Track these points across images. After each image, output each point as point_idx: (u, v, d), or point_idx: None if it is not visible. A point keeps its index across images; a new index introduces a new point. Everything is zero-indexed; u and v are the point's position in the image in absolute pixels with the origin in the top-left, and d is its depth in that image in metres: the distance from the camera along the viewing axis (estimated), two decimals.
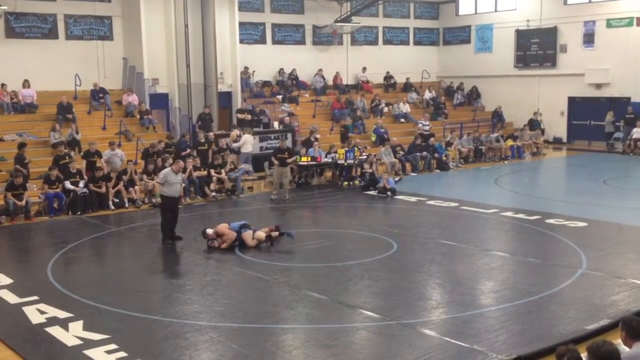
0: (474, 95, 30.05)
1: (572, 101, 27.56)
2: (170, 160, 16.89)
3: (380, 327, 8.25)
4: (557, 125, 27.98)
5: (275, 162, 17.44)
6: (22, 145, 17.07)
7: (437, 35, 31.78)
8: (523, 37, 28.52)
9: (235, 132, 20.54)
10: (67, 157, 16.73)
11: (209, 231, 12.26)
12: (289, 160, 17.56)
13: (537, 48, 28.13)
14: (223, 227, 12.28)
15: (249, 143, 19.89)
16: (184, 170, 17.26)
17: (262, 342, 7.83)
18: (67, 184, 15.86)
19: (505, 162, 23.64)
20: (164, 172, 12.83)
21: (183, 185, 16.67)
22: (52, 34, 21.42)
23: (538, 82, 28.19)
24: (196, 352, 7.57)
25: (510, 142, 24.68)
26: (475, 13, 30.48)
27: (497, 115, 27.73)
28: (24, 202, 14.97)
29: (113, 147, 17.72)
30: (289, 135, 21.92)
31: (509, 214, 14.83)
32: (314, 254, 11.86)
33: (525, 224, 13.85)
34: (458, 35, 31.16)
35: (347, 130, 23.76)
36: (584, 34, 26.73)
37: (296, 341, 7.96)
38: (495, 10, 29.60)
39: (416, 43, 31.09)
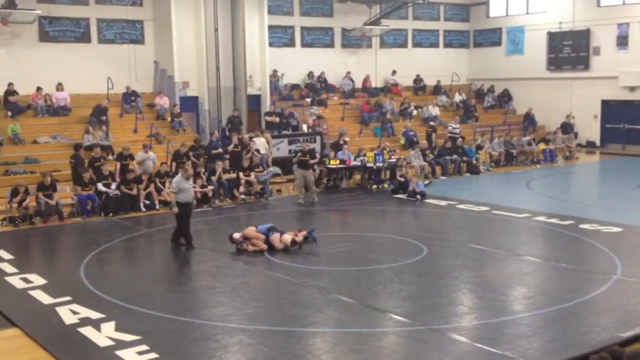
0: (505, 98, 29.75)
1: (606, 104, 27.13)
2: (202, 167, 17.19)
3: (410, 332, 8.19)
4: (590, 129, 27.57)
5: (294, 161, 17.42)
6: (78, 147, 17.46)
7: (467, 38, 31.53)
8: (555, 40, 28.16)
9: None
10: (101, 160, 16.93)
11: (236, 235, 12.29)
12: (311, 162, 17.42)
13: (569, 50, 27.75)
14: (250, 231, 12.31)
15: (261, 146, 19.89)
16: (214, 172, 17.44)
17: (292, 345, 7.82)
18: (100, 186, 16.05)
19: (537, 165, 23.35)
20: (176, 180, 12.66)
21: (212, 187, 16.90)
22: (84, 38, 21.73)
23: (570, 85, 27.79)
24: (226, 354, 7.59)
25: (542, 146, 24.38)
26: (507, 15, 30.17)
27: (529, 118, 27.40)
28: (54, 202, 15.20)
29: (146, 149, 17.90)
30: (317, 138, 21.93)
31: (542, 218, 14.63)
32: (343, 258, 11.81)
33: (558, 228, 13.66)
34: (489, 38, 30.88)
35: (433, 130, 23.96)
36: (617, 36, 26.31)
37: (325, 345, 7.94)
38: (527, 12, 29.26)
39: (446, 45, 30.88)
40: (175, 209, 12.50)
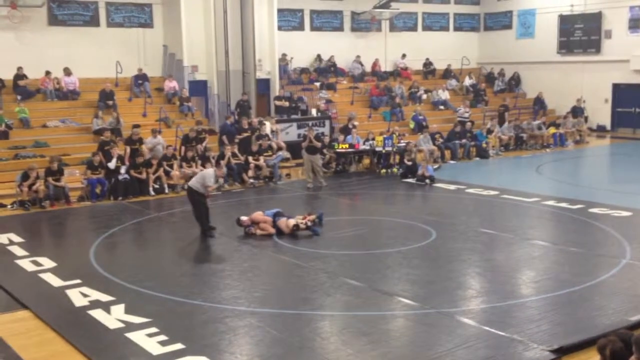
0: (515, 81, 29.56)
1: (617, 88, 26.90)
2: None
3: (419, 315, 8.21)
4: (600, 113, 27.35)
5: (303, 146, 17.37)
6: (136, 126, 17.88)
7: (477, 21, 31.27)
8: (566, 23, 27.89)
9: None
10: (111, 143, 16.97)
11: (244, 218, 12.30)
12: (304, 144, 17.20)
13: (580, 34, 27.48)
14: (258, 215, 12.31)
15: (267, 130, 19.80)
16: (223, 156, 17.46)
17: (301, 328, 7.85)
18: (110, 165, 16.05)
19: (547, 150, 23.22)
20: (213, 175, 12.38)
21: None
22: (93, 22, 21.70)
23: (582, 69, 27.55)
24: (235, 336, 7.64)
25: (552, 130, 24.23)
26: None
27: (539, 102, 27.24)
28: (62, 183, 15.31)
29: (155, 134, 17.91)
30: (326, 122, 21.87)
31: (551, 202, 14.57)
32: (352, 241, 11.82)
33: (568, 213, 13.61)
34: (499, 21, 30.62)
35: (506, 108, 24.26)
36: (629, 19, 26.02)
37: (334, 328, 7.96)
38: None
39: (456, 29, 30.64)
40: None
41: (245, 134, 19.15)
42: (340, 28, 27.31)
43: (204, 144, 18.19)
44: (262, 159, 17.88)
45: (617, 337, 4.76)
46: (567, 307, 8.34)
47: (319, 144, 17.30)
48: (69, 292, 9.15)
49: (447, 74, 28.70)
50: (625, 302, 8.41)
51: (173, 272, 10.41)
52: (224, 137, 18.85)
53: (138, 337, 7.54)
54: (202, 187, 12.18)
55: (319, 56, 26.33)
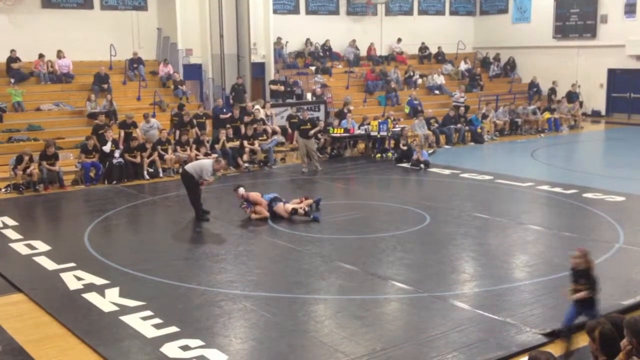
0: (510, 66, 29.50)
1: (612, 73, 26.89)
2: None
3: (413, 299, 8.24)
4: (595, 98, 27.37)
5: (297, 132, 17.36)
6: (181, 106, 18.15)
7: (473, 5, 31.15)
8: (562, 7, 27.81)
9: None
10: (105, 127, 16.90)
11: (241, 190, 12.28)
12: (311, 133, 17.35)
13: (576, 18, 27.42)
14: (256, 196, 12.28)
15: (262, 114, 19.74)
16: (217, 141, 17.41)
17: (295, 311, 7.88)
18: (105, 149, 16.00)
19: (542, 135, 23.24)
20: (210, 166, 12.22)
21: (215, 155, 16.87)
22: (87, 4, 21.51)
23: (577, 54, 27.51)
24: (230, 320, 7.66)
25: (547, 115, 24.24)
26: None
27: (534, 87, 27.22)
28: (56, 168, 15.26)
29: (148, 119, 17.82)
30: (322, 107, 21.83)
31: (545, 187, 14.61)
32: (347, 226, 11.84)
33: (562, 197, 13.65)
34: (495, 5, 30.50)
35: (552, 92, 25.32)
36: (625, 4, 25.96)
37: (328, 311, 8.00)
38: None
39: (452, 13, 30.52)
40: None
41: (234, 124, 18.91)
42: (335, 12, 27.16)
43: (206, 130, 18.16)
44: (257, 143, 17.84)
45: (607, 320, 4.79)
46: (559, 291, 8.33)
47: (314, 130, 17.23)
48: (64, 275, 9.16)
49: (440, 56, 28.57)
50: (618, 286, 8.45)
51: (167, 256, 10.40)
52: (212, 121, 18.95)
53: (133, 320, 7.56)
54: (197, 176, 12.13)
55: (308, 40, 26.13)
